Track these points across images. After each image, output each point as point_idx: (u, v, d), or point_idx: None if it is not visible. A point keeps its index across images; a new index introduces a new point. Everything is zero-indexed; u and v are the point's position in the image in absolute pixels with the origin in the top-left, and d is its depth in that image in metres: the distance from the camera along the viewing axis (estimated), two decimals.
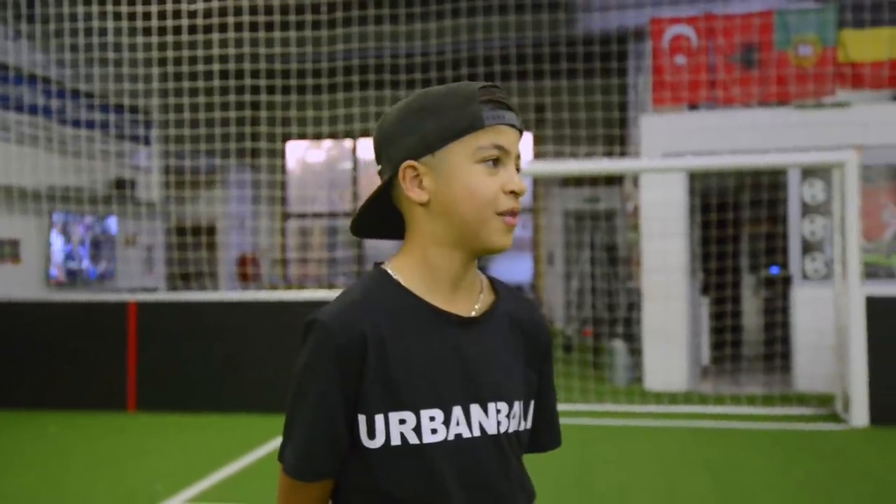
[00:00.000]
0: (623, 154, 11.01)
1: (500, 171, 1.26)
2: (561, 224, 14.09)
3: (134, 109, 10.66)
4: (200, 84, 8.60)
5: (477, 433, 1.25)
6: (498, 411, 1.27)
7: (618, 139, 11.27)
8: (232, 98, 8.78)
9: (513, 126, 1.27)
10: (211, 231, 12.43)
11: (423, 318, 1.26)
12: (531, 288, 14.61)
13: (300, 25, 8.76)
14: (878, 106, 8.62)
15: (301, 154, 15.82)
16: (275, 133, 11.13)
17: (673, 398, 8.14)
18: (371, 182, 17.50)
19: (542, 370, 1.39)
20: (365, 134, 13.58)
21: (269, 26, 8.83)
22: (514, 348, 1.34)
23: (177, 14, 8.35)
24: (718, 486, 5.28)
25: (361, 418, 1.22)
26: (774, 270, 10.31)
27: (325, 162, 16.03)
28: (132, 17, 8.49)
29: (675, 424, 7.08)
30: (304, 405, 1.22)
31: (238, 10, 8.47)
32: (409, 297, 1.27)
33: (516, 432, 1.31)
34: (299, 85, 9.02)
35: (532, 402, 1.36)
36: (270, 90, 8.79)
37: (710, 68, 8.67)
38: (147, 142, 11.40)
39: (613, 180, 12.54)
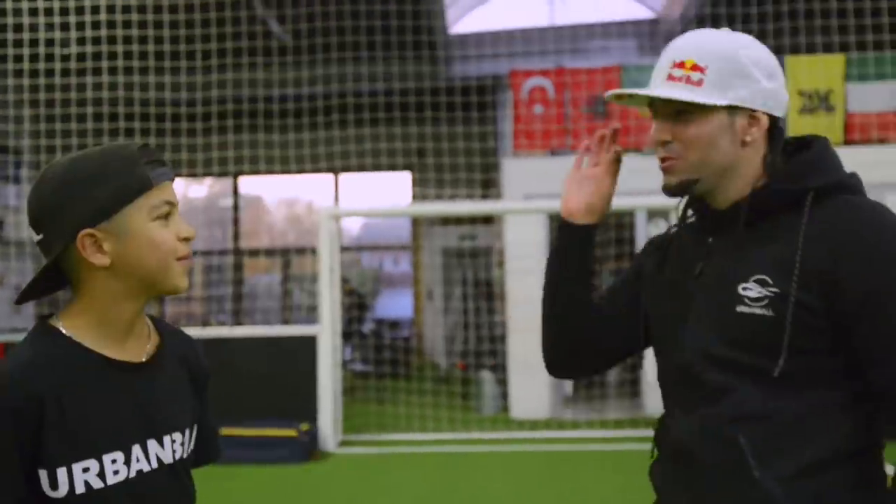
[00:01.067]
0: (497, 196, 11.64)
1: (170, 222, 1.41)
2: (439, 261, 14.58)
3: (4, 149, 10.55)
4: (74, 126, 8.68)
5: (155, 465, 1.42)
6: (173, 441, 1.46)
7: (492, 182, 11.91)
8: (105, 140, 8.88)
9: (171, 179, 1.44)
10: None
11: (98, 370, 1.38)
12: (411, 324, 14.99)
13: (175, 71, 8.99)
14: None
15: (182, 190, 15.82)
16: None
17: (534, 425, 8.66)
18: (254, 218, 17.60)
19: (202, 396, 1.61)
20: (244, 172, 13.77)
21: (144, 70, 9.02)
22: (181, 382, 1.53)
23: (49, 57, 8.44)
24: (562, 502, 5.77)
25: (43, 473, 1.30)
26: None
27: (205, 198, 16.05)
28: (3, 59, 8.51)
29: (534, 449, 7.58)
30: None
31: (112, 55, 8.63)
32: (83, 351, 1.37)
33: (187, 456, 1.51)
34: (174, 127, 9.21)
35: (195, 426, 1.55)
36: (145, 132, 8.95)
37: (565, 117, 9.38)
38: (17, 180, 11.26)
39: (489, 219, 13.16)
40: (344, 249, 15.30)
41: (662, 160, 1.58)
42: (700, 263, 1.60)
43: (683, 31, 7.97)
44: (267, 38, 9.69)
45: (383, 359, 11.37)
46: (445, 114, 9.89)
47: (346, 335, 10.93)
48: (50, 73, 8.58)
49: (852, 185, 1.55)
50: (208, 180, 15.45)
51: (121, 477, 1.37)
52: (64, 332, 1.39)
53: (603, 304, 1.84)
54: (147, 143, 1.44)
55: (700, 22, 10.08)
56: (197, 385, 1.57)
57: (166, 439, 1.45)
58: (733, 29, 1.61)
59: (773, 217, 1.52)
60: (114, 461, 1.36)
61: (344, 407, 8.44)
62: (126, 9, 8.47)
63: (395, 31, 9.57)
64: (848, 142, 9.22)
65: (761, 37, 6.62)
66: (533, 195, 9.14)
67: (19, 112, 9.45)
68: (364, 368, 11.90)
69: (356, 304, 12.83)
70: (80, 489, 1.32)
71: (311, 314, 11.11)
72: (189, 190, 15.95)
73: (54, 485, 1.32)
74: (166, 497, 1.45)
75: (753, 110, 1.54)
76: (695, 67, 1.52)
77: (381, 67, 10.17)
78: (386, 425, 8.64)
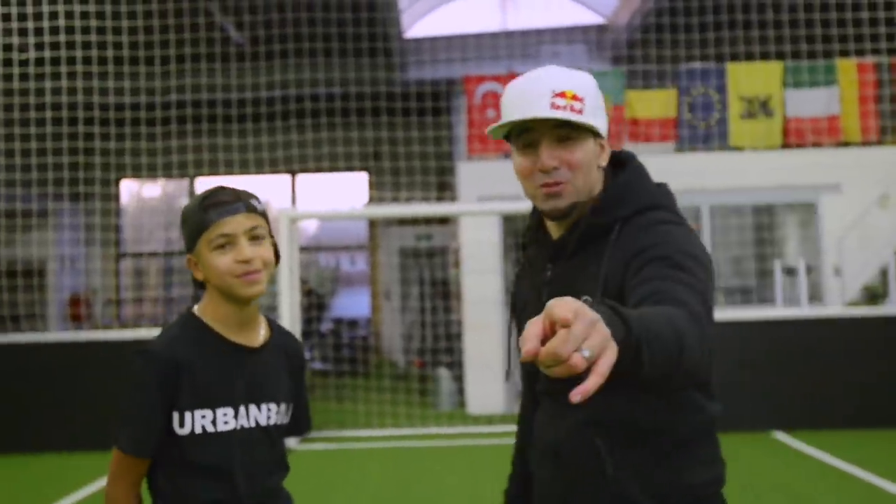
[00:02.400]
0: (452, 198, 11.90)
1: (228, 249, 1.83)
2: (396, 260, 14.78)
3: None
4: (33, 130, 8.73)
5: (253, 424, 1.90)
6: (269, 409, 1.93)
7: (447, 184, 12.17)
8: (65, 143, 8.98)
9: (235, 213, 1.82)
10: (41, 273, 12.27)
11: (220, 347, 1.89)
12: (369, 322, 15.17)
13: (134, 76, 9.07)
14: (661, 157, 9.89)
15: (136, 190, 15.78)
16: (109, 176, 11.26)
17: (490, 420, 8.93)
18: None
19: (299, 381, 2.03)
20: (203, 173, 13.83)
21: (104, 76, 9.09)
22: (283, 367, 1.99)
23: (8, 62, 8.48)
24: None
25: (175, 414, 1.83)
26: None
27: (161, 198, 16.03)
28: None
29: (490, 443, 7.85)
30: (138, 406, 1.82)
31: (71, 60, 8.69)
32: (211, 332, 1.90)
33: (281, 424, 1.97)
34: (133, 131, 9.30)
35: (292, 404, 2.02)
36: (105, 136, 9.03)
37: None
38: None
39: (446, 219, 13.41)
40: (301, 249, 15.46)
41: (547, 185, 1.67)
42: (545, 290, 1.76)
43: (630, 37, 8.33)
44: (225, 44, 9.83)
45: (342, 357, 11.55)
46: (401, 118, 10.13)
47: (306, 334, 11.10)
48: (8, 77, 8.63)
49: (656, 204, 1.71)
50: (165, 182, 15.46)
51: (228, 427, 1.86)
52: (200, 317, 1.91)
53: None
54: (221, 187, 1.89)
55: (646, 30, 10.46)
56: (294, 372, 2.03)
57: (263, 406, 1.92)
58: (678, 37, 1.80)
59: (593, 241, 1.69)
60: (224, 414, 1.86)
61: None
62: (84, 15, 8.54)
63: (352, 36, 9.77)
64: (786, 145, 9.67)
65: (703, 45, 7.03)
66: (487, 197, 9.42)
67: None
68: (323, 367, 12.07)
69: (315, 304, 12.99)
70: (198, 430, 1.83)
71: (272, 314, 11.23)
72: (144, 190, 15.91)
73: (182, 423, 1.83)
74: (260, 453, 1.90)
75: (603, 139, 1.73)
76: (574, 97, 1.65)
77: (337, 72, 10.37)
78: (345, 422, 8.84)
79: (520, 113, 1.66)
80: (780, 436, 7.56)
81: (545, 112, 1.64)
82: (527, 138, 1.70)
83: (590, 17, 13.38)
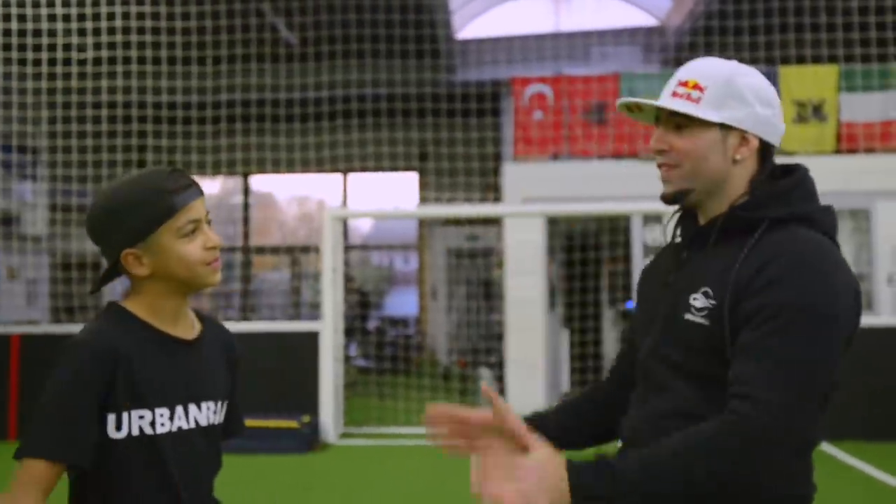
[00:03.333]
0: (498, 199, 11.92)
1: (197, 235, 1.69)
2: (444, 261, 14.84)
3: (23, 149, 10.91)
4: (89, 127, 9.02)
5: (192, 425, 1.73)
6: (208, 408, 1.77)
7: (493, 185, 12.20)
8: (119, 141, 9.27)
9: (198, 196, 1.70)
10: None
11: (156, 341, 1.71)
12: (416, 321, 15.26)
13: (187, 75, 9.30)
14: None
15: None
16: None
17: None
18: (265, 216, 17.89)
19: (234, 377, 1.89)
20: (252, 172, 14.10)
21: (157, 75, 9.34)
22: (219, 361, 1.84)
23: (67, 61, 8.77)
24: None
25: (111, 416, 1.62)
26: (629, 305, 11.33)
27: (217, 196, 16.35)
28: (22, 62, 8.85)
29: None
30: (68, 405, 1.57)
31: (127, 59, 8.95)
32: (146, 325, 1.71)
33: (218, 423, 1.81)
34: (185, 129, 9.53)
35: (226, 402, 1.85)
36: (157, 134, 9.28)
37: (565, 124, 9.65)
38: (34, 178, 11.61)
39: (491, 220, 13.44)
40: (352, 248, 15.61)
41: (660, 167, 1.72)
42: (672, 275, 1.74)
43: (681, 40, 8.26)
44: (276, 44, 10.00)
45: (385, 355, 11.65)
46: (448, 119, 10.17)
47: (350, 332, 11.23)
48: (67, 76, 8.93)
49: (812, 218, 1.65)
50: (222, 179, 15.77)
51: (166, 429, 1.68)
52: (130, 311, 1.72)
53: (615, 380, 1.96)
54: (175, 167, 1.72)
55: (696, 33, 10.33)
56: (230, 366, 1.89)
57: (203, 405, 1.76)
58: (728, 40, 1.81)
59: (736, 237, 1.65)
60: (161, 415, 1.67)
61: (346, 401, 8.74)
62: (140, 15, 8.79)
63: (400, 38, 9.86)
64: (839, 150, 9.46)
65: (754, 48, 6.94)
66: (532, 199, 9.41)
67: (38, 113, 9.80)
68: (367, 364, 12.19)
69: (361, 302, 13.12)
70: (135, 432, 1.64)
71: (316, 311, 11.41)
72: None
73: (119, 426, 1.63)
74: (199, 454, 1.75)
75: (745, 131, 1.67)
76: (696, 87, 1.66)
77: (384, 73, 10.47)
78: (385, 419, 8.93)
79: (632, 99, 1.75)
80: (828, 447, 7.40)
81: (661, 100, 1.70)
82: (657, 122, 1.76)
83: (642, 19, 13.26)
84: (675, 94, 1.68)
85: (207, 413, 1.77)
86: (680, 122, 1.69)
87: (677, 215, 1.85)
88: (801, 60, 9.42)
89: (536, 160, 9.92)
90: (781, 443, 1.47)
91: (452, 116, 10.38)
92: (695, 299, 1.63)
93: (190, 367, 1.75)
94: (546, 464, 1.49)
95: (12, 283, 11.22)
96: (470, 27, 13.26)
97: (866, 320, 8.11)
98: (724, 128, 1.67)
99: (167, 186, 1.66)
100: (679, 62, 10.64)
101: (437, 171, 10.99)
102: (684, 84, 1.68)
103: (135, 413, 1.64)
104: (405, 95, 10.46)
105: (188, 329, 1.79)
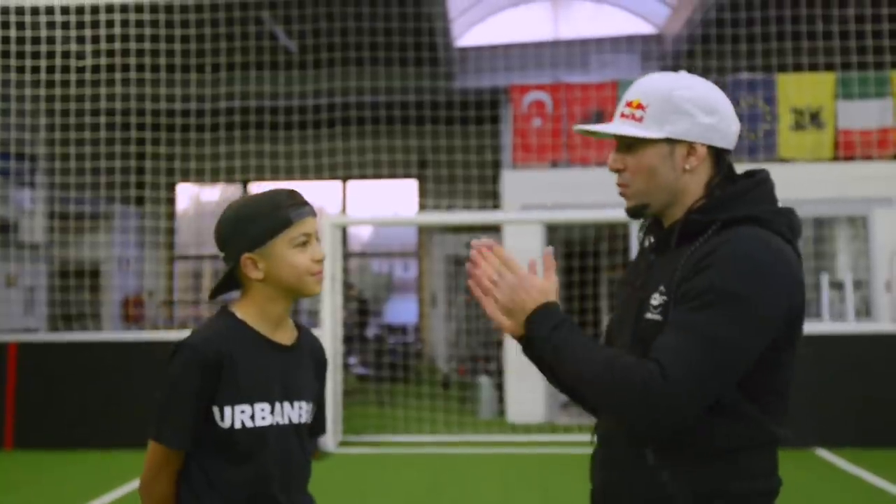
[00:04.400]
0: (497, 206, 11.93)
1: (307, 248, 1.92)
2: (443, 268, 14.84)
3: (21, 156, 10.91)
4: (87, 135, 9.02)
5: (286, 421, 1.94)
6: (300, 407, 1.98)
7: (492, 192, 12.21)
8: (118, 148, 9.27)
9: (311, 215, 1.95)
10: (95, 274, 12.62)
11: (259, 344, 1.94)
12: (416, 329, 15.25)
13: (186, 83, 9.31)
14: None
15: (193, 194, 16.15)
16: (159, 180, 11.56)
17: (529, 429, 8.92)
18: None
19: (321, 381, 2.10)
20: (251, 179, 14.10)
21: (157, 82, 9.35)
22: (309, 366, 2.05)
23: (66, 68, 8.78)
24: (546, 502, 6.03)
25: (216, 409, 1.86)
26: None
27: (217, 202, 16.37)
28: (21, 69, 8.86)
29: (529, 452, 7.83)
30: (178, 399, 1.85)
31: (126, 67, 8.96)
32: (250, 330, 1.94)
33: (307, 423, 2.02)
34: (184, 137, 9.54)
35: (314, 403, 2.06)
36: (156, 141, 9.29)
37: (564, 131, 9.67)
38: (32, 185, 11.61)
39: (490, 227, 13.43)
40: (352, 255, 15.61)
41: (618, 185, 1.83)
42: (640, 278, 1.84)
43: (679, 48, 8.29)
44: (276, 51, 10.02)
45: (384, 363, 11.64)
46: (447, 126, 10.19)
47: (348, 340, 11.21)
48: (66, 83, 8.94)
49: (762, 218, 1.71)
50: (221, 186, 15.79)
51: (265, 423, 1.90)
52: (238, 315, 1.95)
53: None
54: (294, 189, 1.95)
55: (694, 41, 10.36)
56: (318, 372, 2.10)
57: (296, 404, 1.97)
58: (725, 47, 1.85)
59: (691, 239, 1.73)
60: (262, 409, 1.90)
61: (345, 409, 8.72)
62: (140, 23, 8.81)
63: (399, 45, 9.89)
64: (837, 157, 9.48)
65: (752, 56, 6.95)
66: (531, 206, 9.42)
67: (36, 121, 9.81)
68: (365, 372, 12.17)
69: (359, 309, 13.11)
70: (237, 425, 1.86)
71: (315, 318, 11.40)
72: (200, 194, 16.27)
73: (222, 418, 1.86)
74: (292, 449, 1.95)
75: (690, 142, 1.75)
76: (639, 106, 1.76)
77: (383, 80, 10.49)
78: (385, 427, 8.91)
79: (583, 127, 1.83)
80: (824, 453, 7.40)
81: (606, 126, 1.80)
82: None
83: (640, 27, 13.30)
84: (622, 116, 1.78)
85: (300, 412, 1.98)
86: (629, 141, 1.78)
87: (647, 223, 1.92)
88: (798, 68, 9.45)
89: (535, 167, 9.93)
90: (672, 408, 1.58)
91: (452, 124, 10.40)
92: (654, 298, 1.74)
93: (287, 368, 1.97)
94: (529, 290, 1.78)
95: (10, 290, 11.22)
96: (469, 35, 13.29)
97: (864, 327, 8.13)
98: (671, 141, 1.75)
99: (285, 203, 1.91)
100: (677, 70, 10.69)
101: (436, 178, 11.00)
102: (630, 104, 1.78)
103: (237, 408, 1.87)
104: (404, 103, 10.48)
105: (287, 334, 2.01)
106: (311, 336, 2.10)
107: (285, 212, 1.90)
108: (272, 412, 1.91)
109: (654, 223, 1.89)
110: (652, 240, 1.90)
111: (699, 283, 1.64)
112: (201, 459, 1.88)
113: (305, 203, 1.95)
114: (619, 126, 1.78)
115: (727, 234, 1.68)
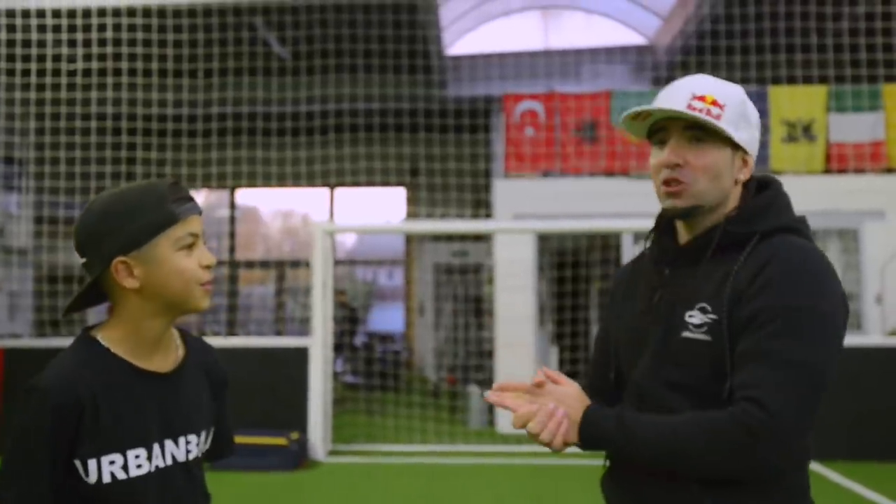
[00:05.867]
0: (488, 215, 11.92)
1: (194, 251, 1.62)
2: (431, 276, 14.80)
3: (9, 160, 10.81)
4: (77, 139, 8.94)
5: (170, 462, 1.63)
6: (188, 442, 1.67)
7: (483, 201, 12.20)
8: (108, 153, 9.19)
9: (198, 212, 1.64)
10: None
11: (128, 378, 1.59)
12: (403, 337, 15.19)
13: (177, 88, 9.25)
14: None
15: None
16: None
17: (519, 439, 8.87)
18: (250, 230, 17.83)
19: (220, 399, 1.83)
20: (241, 185, 14.03)
21: (148, 87, 9.28)
22: (201, 388, 1.74)
23: (56, 72, 8.70)
24: None
25: (77, 463, 1.52)
26: None
27: (203, 208, 16.24)
28: (10, 73, 8.77)
29: (519, 462, 7.79)
30: (30, 456, 1.49)
31: (117, 71, 8.89)
32: (117, 361, 1.59)
33: (200, 456, 1.73)
34: (175, 142, 9.47)
35: (212, 428, 1.78)
36: (146, 146, 9.21)
37: (556, 141, 9.67)
38: (20, 190, 11.50)
39: (481, 236, 13.42)
40: (338, 263, 15.54)
41: (668, 183, 1.68)
42: (658, 293, 1.74)
43: (672, 59, 8.28)
44: (268, 58, 9.98)
45: (374, 371, 11.58)
46: (439, 134, 10.18)
47: (338, 348, 11.15)
48: (56, 87, 8.85)
49: (796, 227, 1.69)
50: (206, 192, 15.69)
51: (142, 471, 1.58)
52: (102, 343, 1.61)
53: (594, 386, 1.95)
54: (177, 180, 1.63)
55: (687, 52, 10.39)
56: (215, 390, 1.80)
57: (181, 440, 1.66)
58: (719, 59, 1.79)
59: (727, 252, 1.66)
60: (137, 456, 1.58)
61: (334, 417, 8.65)
62: (132, 27, 8.74)
63: (392, 52, 9.87)
64: (829, 170, 9.52)
65: (745, 68, 6.94)
66: (522, 215, 9.40)
67: (25, 124, 9.72)
68: (355, 380, 12.10)
69: (348, 317, 13.05)
70: (106, 479, 1.54)
71: (305, 326, 11.33)
72: None
73: (87, 473, 1.53)
74: (182, 492, 1.66)
75: (746, 153, 1.72)
76: (714, 103, 1.65)
77: (377, 87, 10.47)
78: (375, 436, 8.85)
79: (655, 106, 1.68)
80: (817, 467, 7.39)
81: (679, 108, 1.65)
82: (661, 136, 1.71)
83: (632, 38, 13.34)
84: (691, 107, 1.65)
85: (186, 447, 1.68)
86: (695, 136, 1.67)
87: (651, 233, 1.85)
88: (792, 81, 9.49)
89: (527, 177, 9.92)
90: (784, 446, 1.51)
91: (444, 132, 10.39)
92: (691, 316, 1.64)
93: (167, 402, 1.64)
94: (569, 396, 1.69)
95: None
96: (460, 43, 13.29)
97: (854, 340, 8.15)
98: (735, 148, 1.69)
99: (169, 196, 1.58)
100: (671, 81, 10.73)
101: (428, 186, 10.97)
102: (701, 99, 1.66)
103: (105, 459, 1.54)
104: (397, 111, 10.46)
105: (168, 357, 1.69)
106: (202, 350, 1.78)
107: (169, 206, 1.56)
108: (149, 457, 1.59)
109: (663, 232, 1.80)
110: (655, 250, 1.81)
111: (767, 302, 1.56)
112: None
113: (191, 198, 1.62)
114: (707, 118, 1.64)
115: (769, 246, 1.63)
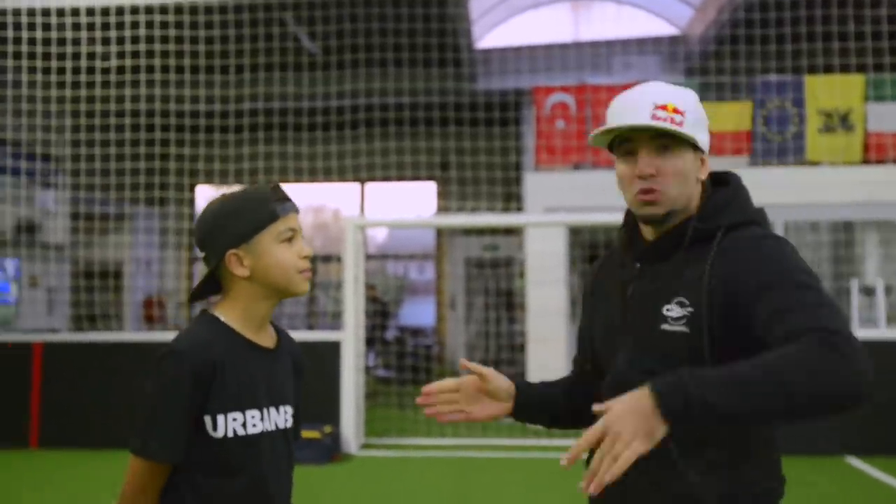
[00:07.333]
0: (519, 208, 11.87)
1: (294, 244, 1.86)
2: (462, 270, 14.79)
3: (46, 157, 10.97)
4: (112, 136, 9.04)
5: (273, 427, 1.88)
6: (286, 412, 1.93)
7: (514, 195, 12.15)
8: (141, 150, 9.28)
9: (295, 210, 1.89)
10: (117, 274, 12.67)
11: (244, 349, 1.86)
12: (434, 331, 15.21)
13: (209, 84, 9.32)
14: (734, 171, 9.66)
15: (213, 196, 16.21)
16: (183, 182, 11.60)
17: (550, 433, 8.83)
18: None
19: (299, 386, 2.03)
20: (279, 179, 14.10)
21: (180, 84, 9.36)
22: (290, 369, 1.99)
23: (91, 70, 8.81)
24: None
25: (207, 418, 1.78)
26: None
27: None
28: (46, 71, 8.89)
29: (549, 456, 7.76)
30: (170, 409, 1.74)
31: (150, 69, 8.98)
32: (235, 334, 1.85)
33: (291, 428, 1.96)
34: (207, 138, 9.54)
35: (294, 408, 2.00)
36: (179, 142, 9.29)
37: (587, 133, 9.59)
38: (56, 187, 11.67)
39: (512, 230, 13.38)
40: (369, 257, 15.62)
41: (643, 192, 1.75)
42: (631, 287, 1.81)
43: (705, 49, 8.17)
44: (298, 53, 10.01)
45: (405, 365, 11.60)
46: (469, 128, 10.15)
47: (370, 342, 11.19)
48: (90, 84, 8.96)
49: (758, 219, 1.78)
50: (241, 187, 15.81)
51: (257, 430, 1.84)
52: (222, 319, 1.86)
53: (580, 375, 2.05)
54: (277, 184, 1.89)
55: (721, 42, 10.24)
56: (297, 375, 2.03)
57: (281, 409, 1.92)
58: (754, 49, 1.78)
59: (695, 247, 1.75)
60: (252, 416, 1.83)
61: (366, 411, 8.68)
62: (164, 24, 8.82)
63: (422, 46, 9.85)
64: (867, 160, 9.34)
65: (780, 57, 6.83)
66: (553, 208, 9.34)
67: (61, 122, 9.85)
68: (386, 374, 12.14)
69: (379, 311, 13.09)
70: (230, 434, 1.79)
71: (336, 320, 11.38)
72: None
73: (214, 427, 1.78)
74: (280, 455, 1.90)
75: (703, 153, 1.81)
76: (676, 111, 1.73)
77: (407, 82, 10.46)
78: (406, 429, 8.87)
79: (620, 121, 1.75)
80: (854, 461, 7.28)
81: (646, 121, 1.73)
82: (628, 147, 1.78)
83: (664, 29, 13.19)
84: (655, 117, 1.73)
85: (285, 416, 1.93)
86: (662, 145, 1.75)
87: (622, 230, 1.91)
88: (828, 69, 9.32)
89: (558, 170, 9.86)
90: (862, 353, 1.47)
91: (474, 125, 10.35)
92: (669, 310, 1.72)
93: (271, 372, 1.90)
94: (632, 406, 1.45)
95: (34, 291, 11.26)
96: (490, 36, 13.23)
97: (893, 332, 7.99)
98: (696, 150, 1.79)
99: (270, 197, 1.84)
100: (704, 71, 10.57)
101: (458, 180, 10.95)
102: (663, 107, 1.74)
103: (230, 416, 1.79)
104: (427, 104, 10.44)
105: (269, 337, 1.94)
106: (289, 338, 2.03)
107: (271, 206, 1.83)
108: (262, 419, 1.84)
109: (631, 231, 1.88)
110: (625, 246, 1.88)
111: (760, 279, 1.61)
112: (190, 473, 1.78)
113: (289, 198, 1.88)
114: (672, 126, 1.72)
115: (738, 236, 1.72)
